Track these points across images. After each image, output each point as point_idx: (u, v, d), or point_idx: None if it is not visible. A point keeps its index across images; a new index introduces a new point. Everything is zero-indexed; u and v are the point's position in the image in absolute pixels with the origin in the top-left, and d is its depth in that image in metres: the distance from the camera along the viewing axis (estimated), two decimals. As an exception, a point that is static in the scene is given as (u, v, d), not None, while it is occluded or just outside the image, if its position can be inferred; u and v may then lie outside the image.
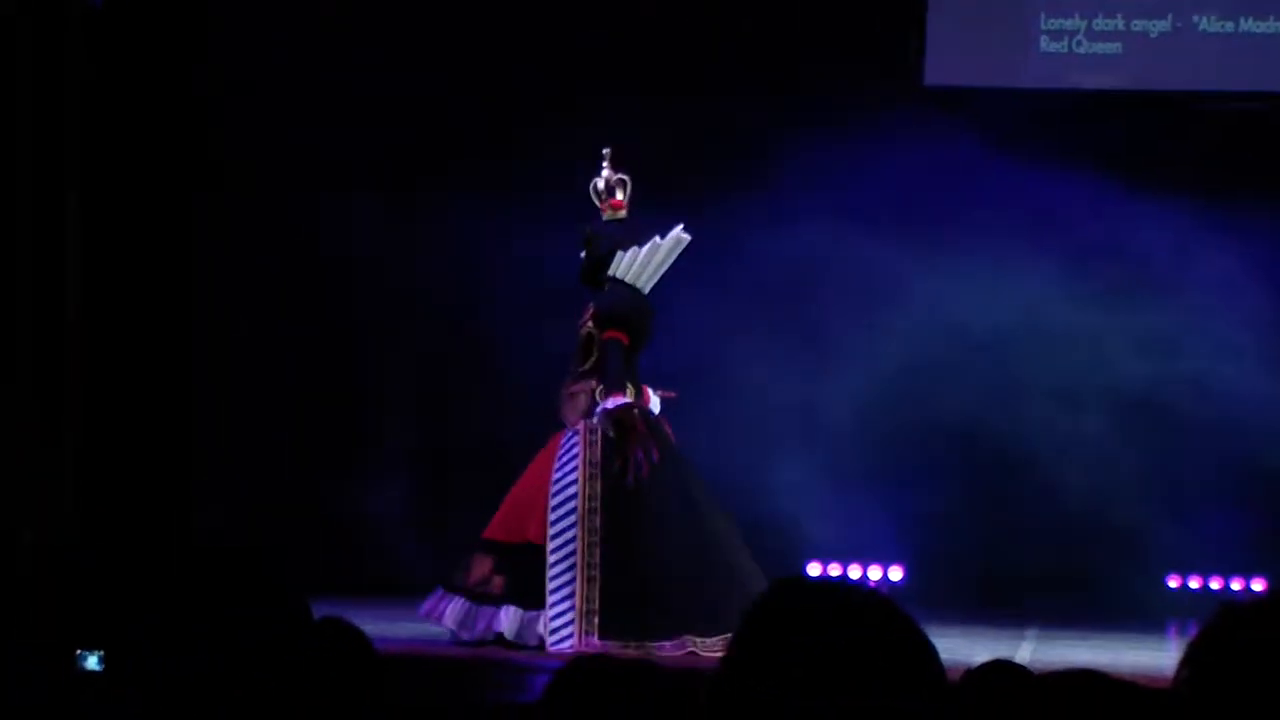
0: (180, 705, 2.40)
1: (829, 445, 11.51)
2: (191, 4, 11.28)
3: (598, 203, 9.26)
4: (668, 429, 9.10)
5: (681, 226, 9.22)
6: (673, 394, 9.19)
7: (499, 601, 8.80)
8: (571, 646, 8.54)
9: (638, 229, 9.23)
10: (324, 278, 12.11)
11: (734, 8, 11.92)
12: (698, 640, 8.57)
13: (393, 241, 11.91)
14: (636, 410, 8.92)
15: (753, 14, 11.87)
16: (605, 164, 9.24)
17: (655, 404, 9.11)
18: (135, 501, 11.02)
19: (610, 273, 9.15)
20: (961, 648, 8.36)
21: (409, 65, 11.81)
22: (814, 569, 11.68)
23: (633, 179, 9.33)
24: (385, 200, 11.85)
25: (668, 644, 8.56)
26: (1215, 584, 11.83)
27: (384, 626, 8.86)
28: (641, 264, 9.14)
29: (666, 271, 9.25)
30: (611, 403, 8.91)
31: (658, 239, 9.15)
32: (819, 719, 2.17)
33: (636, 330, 9.11)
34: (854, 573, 11.93)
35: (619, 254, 9.14)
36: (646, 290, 9.18)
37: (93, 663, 5.02)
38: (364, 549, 11.87)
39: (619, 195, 9.24)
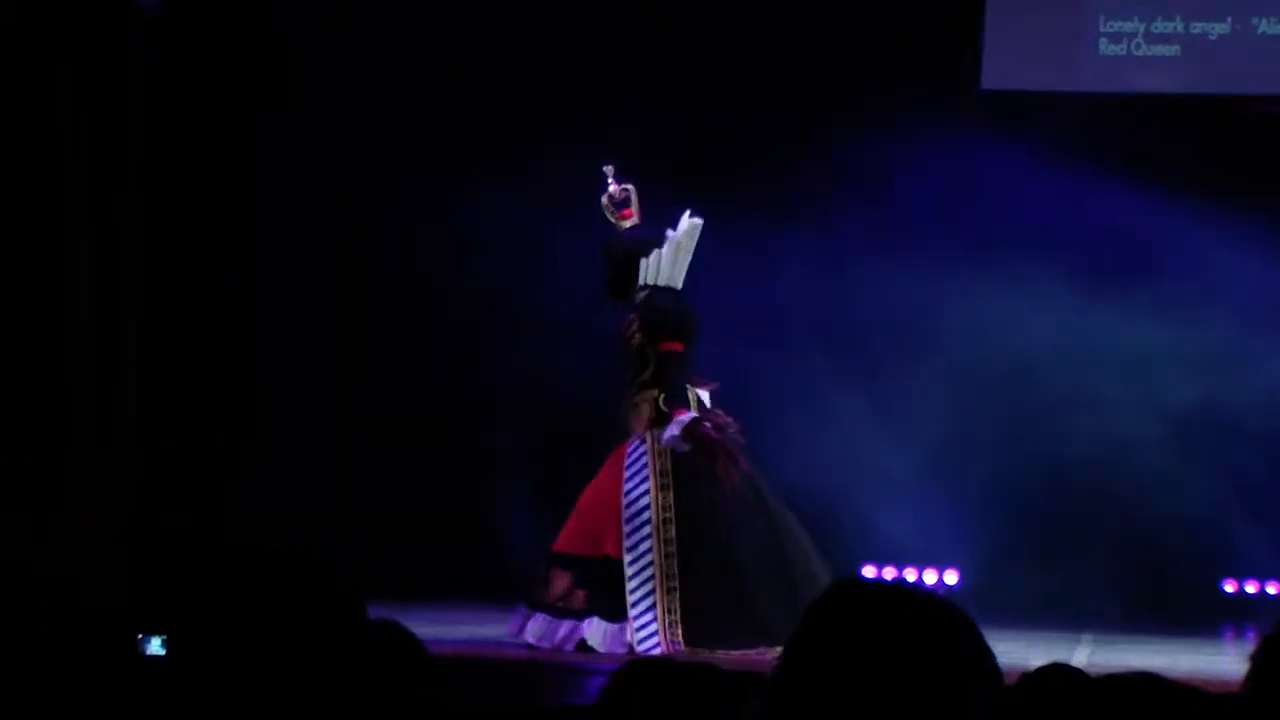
0: (232, 705, 2.41)
1: (886, 449, 11.48)
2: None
3: (611, 218, 9.30)
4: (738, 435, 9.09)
5: (689, 213, 9.23)
6: (714, 385, 9.19)
7: (582, 615, 8.79)
8: (661, 652, 8.51)
9: (660, 233, 9.24)
10: (382, 277, 12.13)
11: (786, 12, 11.85)
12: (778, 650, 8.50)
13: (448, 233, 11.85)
14: (706, 424, 8.92)
15: (804, 18, 11.79)
16: (610, 179, 9.28)
17: (705, 399, 9.11)
18: (194, 497, 11.10)
19: (642, 281, 9.17)
20: (1017, 651, 8.33)
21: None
22: (869, 572, 11.65)
23: (670, 185, 9.37)
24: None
25: (751, 652, 8.52)
26: (1272, 589, 11.76)
27: (442, 629, 8.89)
28: (669, 263, 9.18)
29: (720, 281, 9.27)
30: (677, 423, 8.88)
31: (670, 232, 9.18)
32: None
33: (688, 334, 9.13)
34: (910, 576, 11.91)
35: (643, 262, 9.17)
36: (679, 285, 9.20)
37: (155, 646, 5.03)
38: (420, 551, 11.91)
39: (628, 206, 9.29)
